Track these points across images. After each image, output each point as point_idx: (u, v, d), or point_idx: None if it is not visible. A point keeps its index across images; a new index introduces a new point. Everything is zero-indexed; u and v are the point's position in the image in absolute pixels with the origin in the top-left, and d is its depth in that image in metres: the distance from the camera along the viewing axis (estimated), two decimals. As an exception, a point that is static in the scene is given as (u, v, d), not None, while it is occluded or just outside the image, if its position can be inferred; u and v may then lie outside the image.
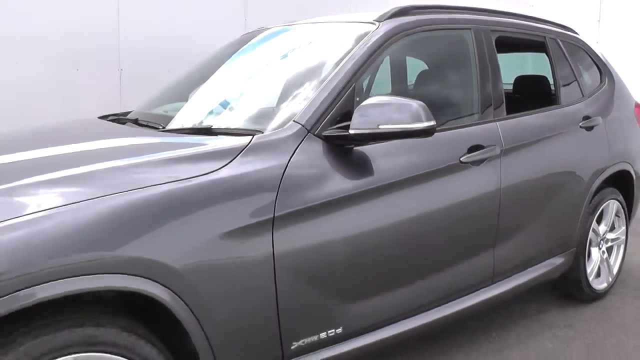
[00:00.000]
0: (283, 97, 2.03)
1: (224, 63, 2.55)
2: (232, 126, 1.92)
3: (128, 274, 1.37)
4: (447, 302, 2.17)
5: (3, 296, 1.22)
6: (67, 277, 1.30)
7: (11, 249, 1.25)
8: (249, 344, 1.63)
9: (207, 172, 1.55)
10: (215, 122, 2.00)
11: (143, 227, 1.40)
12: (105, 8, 4.39)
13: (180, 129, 1.98)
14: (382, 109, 1.76)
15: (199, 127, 1.96)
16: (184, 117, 2.15)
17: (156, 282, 1.40)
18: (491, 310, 2.79)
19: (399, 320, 2.01)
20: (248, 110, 2.04)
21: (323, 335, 1.78)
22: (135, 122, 2.27)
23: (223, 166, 1.58)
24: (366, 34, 2.09)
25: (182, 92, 2.60)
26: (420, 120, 1.75)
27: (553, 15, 7.79)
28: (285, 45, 2.46)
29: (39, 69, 4.07)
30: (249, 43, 2.61)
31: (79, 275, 1.32)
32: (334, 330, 1.80)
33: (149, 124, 2.16)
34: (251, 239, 1.56)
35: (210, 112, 2.14)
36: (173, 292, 1.43)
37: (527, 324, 2.77)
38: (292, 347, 1.72)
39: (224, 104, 2.16)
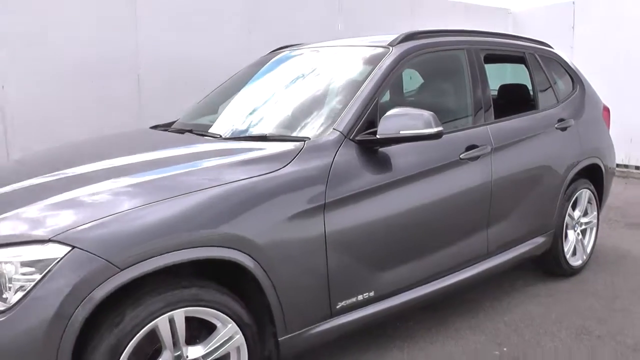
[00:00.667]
0: (320, 109, 2.51)
1: (258, 79, 3.03)
2: (283, 134, 2.39)
3: (224, 247, 1.84)
4: (452, 273, 2.68)
5: (146, 259, 1.69)
6: (184, 249, 1.77)
7: (151, 226, 1.72)
8: (306, 302, 2.10)
9: (274, 170, 2.03)
10: (267, 131, 2.46)
11: (233, 212, 1.88)
12: (122, 28, 4.80)
13: (238, 137, 2.45)
14: (401, 117, 2.25)
15: (255, 135, 2.43)
16: (237, 127, 2.62)
17: (243, 252, 1.88)
18: (484, 286, 3.31)
19: (416, 287, 2.50)
20: (293, 121, 2.51)
21: (360, 297, 2.26)
22: (190, 132, 2.73)
23: (285, 165, 2.06)
24: (382, 56, 2.58)
25: (218, 105, 3.07)
26: (431, 126, 2.24)
27: (529, 22, 8.40)
28: (313, 64, 2.94)
29: (59, 83, 4.43)
30: (278, 62, 3.10)
31: (190, 248, 1.78)
32: (367, 293, 2.29)
33: (206, 134, 2.62)
34: (308, 220, 2.04)
35: (261, 123, 2.60)
36: (255, 260, 1.90)
37: (516, 295, 3.29)
38: (337, 307, 2.20)
39: (271, 116, 2.63)
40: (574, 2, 7.72)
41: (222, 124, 2.71)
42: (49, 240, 1.64)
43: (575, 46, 7.60)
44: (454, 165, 2.63)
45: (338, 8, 6.30)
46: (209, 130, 2.65)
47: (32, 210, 1.80)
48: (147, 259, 1.71)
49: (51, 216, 1.76)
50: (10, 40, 4.17)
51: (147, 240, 1.72)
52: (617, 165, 6.58)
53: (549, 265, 3.49)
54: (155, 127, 3.11)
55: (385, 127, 2.24)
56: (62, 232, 1.66)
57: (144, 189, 1.89)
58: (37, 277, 1.61)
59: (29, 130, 4.30)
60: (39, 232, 1.68)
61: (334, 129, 2.26)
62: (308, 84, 2.78)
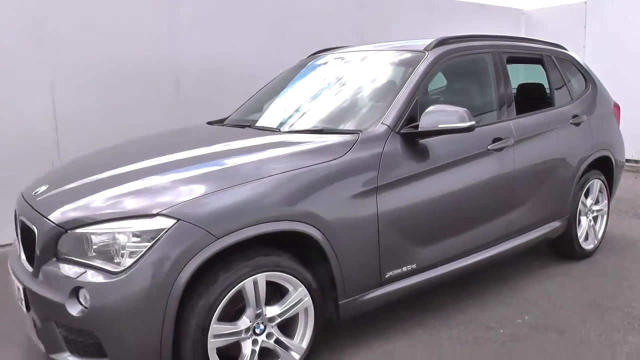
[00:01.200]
0: (367, 106, 2.88)
1: (304, 79, 3.40)
2: (337, 127, 2.76)
3: (299, 221, 2.22)
4: (479, 251, 3.04)
5: (237, 230, 2.06)
6: (267, 222, 2.14)
7: (241, 203, 2.10)
8: (362, 271, 2.47)
9: (336, 157, 2.39)
10: (320, 125, 2.82)
11: (306, 193, 2.26)
12: (162, 34, 5.18)
13: (296, 131, 2.81)
14: (439, 113, 2.60)
15: (311, 129, 2.80)
16: (292, 122, 2.99)
17: (313, 226, 2.25)
18: (505, 267, 3.67)
19: (449, 262, 2.87)
20: (343, 116, 2.87)
21: (404, 269, 2.63)
22: (249, 126, 3.11)
23: (345, 154, 2.43)
24: (420, 59, 2.93)
25: (263, 104, 3.45)
26: (465, 121, 2.60)
27: (542, 21, 8.68)
28: (355, 66, 3.30)
29: (103, 85, 4.79)
30: (321, 64, 3.46)
31: (273, 222, 2.16)
32: (410, 266, 2.66)
33: (264, 128, 3.00)
34: (364, 200, 2.41)
35: (313, 118, 2.96)
36: (322, 233, 2.27)
37: (533, 276, 3.64)
38: (386, 276, 2.57)
39: (322, 112, 2.99)
40: (585, 2, 8.02)
41: (278, 120, 3.08)
42: (157, 214, 2.01)
43: (587, 45, 7.89)
44: (482, 155, 2.99)
45: (361, 11, 6.64)
46: (266, 125, 3.02)
47: (139, 190, 2.18)
48: (238, 230, 2.08)
49: (156, 195, 2.13)
50: (59, 44, 4.52)
51: (238, 215, 2.09)
52: (627, 160, 6.87)
53: (564, 248, 3.83)
54: (211, 123, 3.48)
55: (426, 121, 2.60)
56: (168, 208, 2.03)
57: (230, 172, 2.26)
58: (147, 245, 1.97)
59: (75, 129, 4.67)
60: (148, 208, 2.05)
61: (382, 123, 2.62)
62: (353, 84, 3.14)
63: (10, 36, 4.31)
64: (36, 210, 2.27)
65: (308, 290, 2.30)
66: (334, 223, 2.31)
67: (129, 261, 1.99)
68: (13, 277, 2.34)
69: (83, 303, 1.99)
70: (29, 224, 2.27)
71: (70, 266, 2.06)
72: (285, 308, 2.27)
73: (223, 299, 2.09)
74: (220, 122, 3.52)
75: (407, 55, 3.06)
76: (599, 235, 4.03)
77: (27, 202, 2.42)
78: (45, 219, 2.16)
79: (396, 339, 2.77)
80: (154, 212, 2.02)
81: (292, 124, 2.96)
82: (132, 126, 4.78)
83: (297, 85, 3.44)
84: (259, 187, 2.17)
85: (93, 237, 2.04)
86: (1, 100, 4.30)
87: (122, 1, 4.84)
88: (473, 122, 2.63)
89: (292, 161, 2.34)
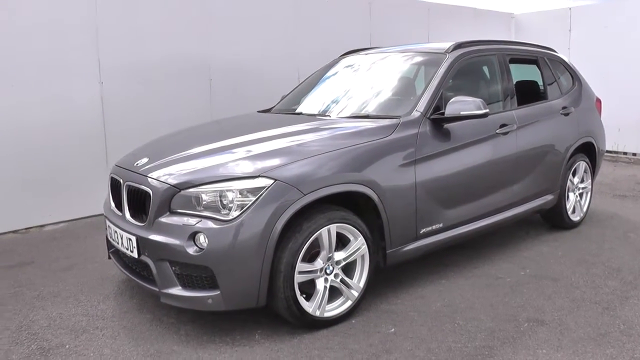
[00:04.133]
0: (401, 97, 3.55)
1: (340, 75, 4.08)
2: (379, 114, 3.43)
3: (361, 184, 2.87)
4: (489, 216, 3.73)
5: (319, 189, 2.71)
6: (340, 184, 2.79)
7: (322, 167, 2.75)
8: (403, 226, 3.13)
9: (385, 136, 3.06)
10: (366, 112, 3.49)
11: (367, 163, 2.92)
12: (198, 36, 5.80)
13: (345, 116, 3.48)
14: (461, 103, 3.27)
15: (358, 115, 3.46)
16: (339, 110, 3.65)
17: (372, 189, 2.91)
18: (506, 233, 4.37)
19: (467, 224, 3.55)
20: (382, 105, 3.55)
21: (434, 226, 3.30)
22: (300, 114, 3.77)
23: (391, 133, 3.09)
24: (442, 59, 3.61)
25: (302, 97, 4.11)
26: (481, 109, 3.28)
27: (530, 25, 9.41)
28: (387, 64, 3.97)
29: (146, 80, 5.44)
30: (354, 62, 4.13)
31: (344, 184, 2.81)
32: (438, 224, 3.33)
33: (315, 115, 3.66)
34: (406, 170, 3.08)
35: (357, 107, 3.62)
36: (377, 195, 2.93)
37: (530, 240, 4.36)
38: (420, 232, 3.24)
39: (363, 102, 3.66)
40: (570, 9, 8.80)
41: (326, 108, 3.77)
42: (259, 176, 2.65)
43: (571, 47, 8.66)
44: (492, 137, 3.68)
45: (369, 16, 7.33)
46: (316, 112, 3.70)
47: (237, 159, 2.83)
48: (319, 189, 2.72)
49: (254, 162, 2.77)
50: (109, 41, 5.14)
51: (319, 177, 2.74)
52: (608, 151, 7.68)
53: (555, 219, 4.55)
54: (261, 112, 4.14)
55: (451, 109, 3.27)
56: (267, 171, 2.67)
57: (307, 146, 2.90)
58: (252, 199, 2.60)
59: (123, 120, 5.29)
60: (251, 171, 2.69)
61: (416, 110, 3.29)
62: (386, 78, 3.81)
63: (69, 38, 4.91)
64: (148, 177, 2.87)
65: (365, 240, 2.95)
66: (385, 187, 2.97)
67: (237, 212, 2.59)
68: (121, 231, 2.93)
69: (199, 244, 2.59)
70: (143, 187, 2.86)
71: (185, 217, 2.67)
72: (349, 253, 2.92)
73: (305, 243, 2.72)
74: (268, 111, 4.17)
75: (432, 56, 3.74)
76: (584, 209, 4.76)
77: (134, 171, 3.01)
78: (161, 182, 2.78)
79: (425, 286, 3.45)
80: (257, 174, 2.66)
81: (340, 111, 3.62)
82: (169, 119, 5.44)
83: (335, 80, 4.11)
84: (332, 157, 2.83)
85: (203, 195, 2.67)
86: (58, 93, 4.90)
87: (163, 5, 5.46)
88: (487, 110, 3.31)
89: (354, 138, 2.99)
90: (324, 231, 2.78)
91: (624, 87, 7.90)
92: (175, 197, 2.72)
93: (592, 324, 2.94)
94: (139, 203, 2.89)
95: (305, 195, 2.68)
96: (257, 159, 2.80)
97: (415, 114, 3.28)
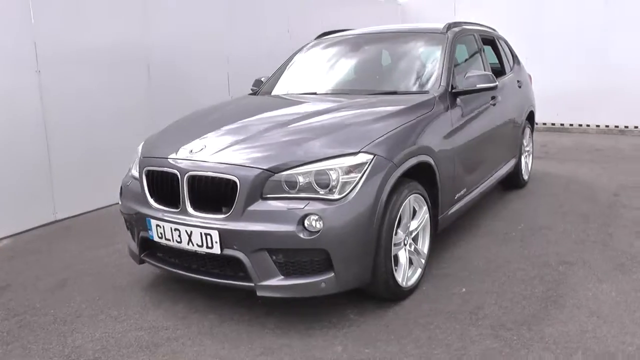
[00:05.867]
0: (420, 73, 3.70)
1: (344, 55, 4.13)
2: (407, 90, 3.56)
3: (428, 155, 2.98)
4: (488, 178, 4.13)
5: (405, 162, 2.76)
6: (417, 156, 2.88)
7: (405, 141, 2.81)
8: (448, 192, 3.32)
9: (430, 110, 3.19)
10: (394, 88, 3.59)
11: (427, 135, 3.03)
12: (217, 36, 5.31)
13: (378, 92, 3.54)
14: (475, 77, 3.54)
15: (389, 91, 3.56)
16: (368, 87, 3.72)
17: (433, 160, 3.04)
18: (481, 202, 4.86)
19: (477, 187, 3.89)
20: (406, 81, 3.66)
21: (462, 192, 3.56)
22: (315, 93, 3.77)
23: (433, 107, 3.23)
24: (444, 38, 3.84)
25: (307, 78, 4.11)
26: (493, 82, 3.59)
27: (416, 11, 10.04)
28: (394, 43, 4.09)
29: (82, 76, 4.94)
30: (359, 39, 4.21)
31: (418, 155, 2.90)
32: (464, 189, 3.59)
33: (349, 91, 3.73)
34: (448, 139, 3.27)
35: (382, 84, 3.72)
36: (435, 164, 3.07)
37: (499, 196, 4.89)
38: (455, 197, 3.46)
39: (388, 79, 3.75)
40: (454, -6, 9.73)
41: (355, 86, 3.82)
42: (359, 152, 2.61)
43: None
44: (488, 108, 4.05)
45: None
46: (344, 90, 3.76)
47: (318, 136, 2.77)
48: (406, 161, 2.79)
49: (342, 138, 2.73)
50: (45, 30, 4.45)
51: (407, 150, 2.81)
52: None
53: (513, 179, 5.09)
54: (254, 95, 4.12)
55: (467, 83, 3.53)
56: (365, 146, 2.64)
57: (376, 122, 2.91)
58: (358, 176, 2.55)
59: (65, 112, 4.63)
60: (351, 148, 2.63)
61: (441, 84, 3.48)
62: (397, 58, 3.94)
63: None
64: (227, 164, 2.63)
65: (427, 208, 3.08)
66: (439, 157, 3.13)
67: (345, 190, 2.51)
68: (185, 227, 2.64)
69: (310, 228, 2.47)
70: (222, 176, 2.59)
71: (285, 202, 2.53)
72: (419, 223, 3.03)
73: (397, 215, 2.75)
74: (255, 94, 4.14)
75: (432, 36, 3.95)
76: (529, 169, 5.46)
77: (198, 160, 2.71)
78: (249, 167, 2.58)
79: (454, 249, 3.70)
80: (357, 150, 2.61)
81: (370, 89, 3.67)
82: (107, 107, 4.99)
83: (343, 60, 4.13)
84: (406, 131, 2.89)
85: (300, 177, 2.55)
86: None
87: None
88: (497, 83, 3.64)
89: (410, 113, 3.07)
90: (406, 202, 2.84)
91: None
92: (268, 181, 2.56)
93: (605, 258, 3.46)
94: (209, 194, 2.65)
95: (397, 168, 2.71)
96: (339, 135, 2.76)
97: (441, 88, 3.46)
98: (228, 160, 2.67)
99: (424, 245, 3.11)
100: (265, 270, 2.55)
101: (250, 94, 4.13)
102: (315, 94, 3.77)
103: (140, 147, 3.23)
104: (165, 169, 2.82)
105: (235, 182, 2.57)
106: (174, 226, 2.71)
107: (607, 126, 8.71)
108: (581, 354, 2.38)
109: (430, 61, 3.74)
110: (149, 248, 3.00)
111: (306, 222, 2.48)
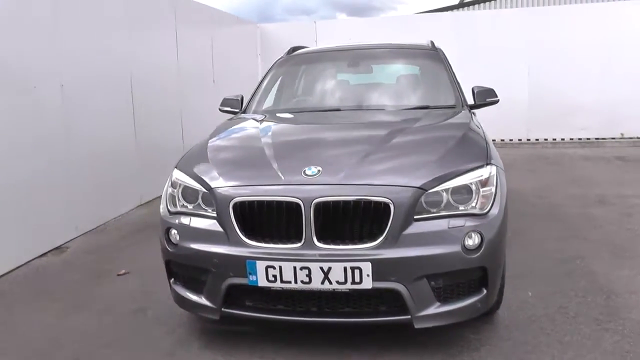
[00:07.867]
0: (436, 88, 3.75)
1: (347, 71, 3.97)
2: (435, 104, 3.56)
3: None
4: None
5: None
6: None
7: (495, 157, 2.75)
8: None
9: (470, 122, 3.19)
10: (424, 103, 3.55)
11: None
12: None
13: (411, 107, 3.48)
14: (484, 92, 3.74)
15: (421, 106, 3.53)
16: (398, 103, 3.63)
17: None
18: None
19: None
20: (431, 96, 3.67)
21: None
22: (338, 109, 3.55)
23: (472, 120, 3.25)
24: (438, 54, 3.99)
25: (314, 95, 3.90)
26: (497, 96, 3.83)
27: (276, 35, 10.02)
28: (393, 60, 4.10)
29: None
30: (363, 55, 4.12)
31: None
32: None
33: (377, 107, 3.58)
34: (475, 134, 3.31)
35: (409, 99, 3.65)
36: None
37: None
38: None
39: (410, 94, 3.70)
40: (315, 22, 10.06)
41: (381, 102, 3.70)
42: (487, 164, 2.51)
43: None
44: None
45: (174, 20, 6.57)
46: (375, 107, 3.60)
47: (452, 151, 2.62)
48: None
49: (464, 153, 2.63)
50: None
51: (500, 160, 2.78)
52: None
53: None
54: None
55: (481, 98, 3.71)
56: (487, 158, 2.56)
57: (468, 135, 2.84)
58: (492, 188, 2.43)
59: None
60: (478, 161, 2.51)
61: (461, 98, 3.61)
62: (407, 74, 3.93)
63: None
64: (375, 185, 2.31)
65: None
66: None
67: (486, 204, 2.39)
68: (315, 264, 2.22)
69: (469, 246, 2.27)
70: (369, 198, 2.25)
71: (435, 221, 2.30)
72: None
73: None
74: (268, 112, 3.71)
75: (430, 53, 4.06)
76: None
77: (332, 184, 2.32)
78: (402, 187, 2.30)
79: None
80: (482, 163, 2.51)
81: (402, 104, 3.62)
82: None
83: (350, 77, 3.99)
84: (483, 142, 2.85)
85: (444, 193, 2.35)
86: None
87: None
88: (498, 97, 3.92)
89: (461, 127, 3.02)
90: None
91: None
92: (420, 200, 2.29)
93: (606, 244, 3.92)
94: (338, 222, 2.27)
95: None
96: (455, 150, 2.63)
97: (465, 106, 3.58)
98: (371, 181, 2.33)
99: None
100: (422, 299, 2.28)
101: (238, 113, 3.69)
102: (338, 109, 3.53)
103: (192, 179, 2.58)
104: (278, 198, 2.30)
105: (388, 205, 2.24)
106: (299, 265, 2.22)
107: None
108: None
109: (439, 78, 3.84)
110: (234, 298, 2.39)
111: (467, 241, 2.29)
